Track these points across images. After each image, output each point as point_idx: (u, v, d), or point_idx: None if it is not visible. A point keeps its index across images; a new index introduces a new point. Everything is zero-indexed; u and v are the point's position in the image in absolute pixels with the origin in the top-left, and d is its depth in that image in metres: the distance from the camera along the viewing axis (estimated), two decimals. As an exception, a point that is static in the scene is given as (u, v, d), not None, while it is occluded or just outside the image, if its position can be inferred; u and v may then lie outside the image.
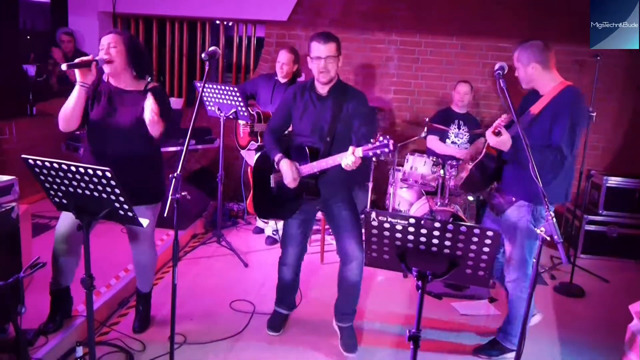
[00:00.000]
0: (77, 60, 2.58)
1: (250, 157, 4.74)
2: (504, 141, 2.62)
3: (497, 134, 2.63)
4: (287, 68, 4.43)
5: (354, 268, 2.99)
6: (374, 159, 2.45)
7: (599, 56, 4.14)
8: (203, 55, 2.40)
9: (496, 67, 2.41)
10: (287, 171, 2.89)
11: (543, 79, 2.79)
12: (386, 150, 2.39)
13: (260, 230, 5.06)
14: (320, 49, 2.80)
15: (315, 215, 3.26)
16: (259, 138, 4.45)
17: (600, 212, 4.94)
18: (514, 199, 2.83)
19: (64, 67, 2.54)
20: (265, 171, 3.11)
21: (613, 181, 4.94)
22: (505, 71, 2.38)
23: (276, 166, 2.96)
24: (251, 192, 3.32)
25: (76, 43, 5.88)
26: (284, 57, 4.42)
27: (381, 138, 2.40)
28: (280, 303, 3.33)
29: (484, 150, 2.85)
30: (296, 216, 3.09)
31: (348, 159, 2.50)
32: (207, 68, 2.42)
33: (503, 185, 2.91)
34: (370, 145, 2.43)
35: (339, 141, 2.87)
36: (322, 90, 2.93)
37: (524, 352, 3.12)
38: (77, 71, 2.61)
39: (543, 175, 2.47)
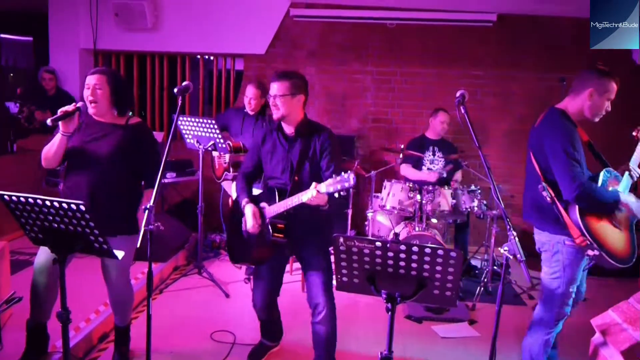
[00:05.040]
0: (59, 113, 2.68)
1: (229, 187, 4.80)
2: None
3: None
4: (254, 102, 4.49)
5: (323, 320, 2.87)
6: (335, 194, 2.42)
7: (564, 81, 4.28)
8: (175, 90, 2.48)
9: (457, 94, 2.47)
10: (249, 217, 2.84)
11: None
12: (346, 184, 2.38)
13: (242, 261, 5.07)
14: (272, 88, 2.79)
15: (286, 264, 3.19)
16: (232, 168, 4.53)
17: (576, 232, 5.01)
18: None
19: (48, 122, 2.65)
20: (237, 215, 3.06)
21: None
22: (466, 99, 2.45)
23: (242, 211, 2.93)
24: None
25: (58, 81, 5.94)
26: (250, 92, 4.49)
27: (343, 173, 2.40)
28: (263, 334, 3.35)
29: None
30: (267, 262, 3.03)
31: (309, 193, 2.51)
32: (179, 102, 2.50)
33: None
34: (331, 181, 2.43)
35: (308, 180, 2.78)
36: (289, 130, 2.90)
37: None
38: (60, 122, 2.70)
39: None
